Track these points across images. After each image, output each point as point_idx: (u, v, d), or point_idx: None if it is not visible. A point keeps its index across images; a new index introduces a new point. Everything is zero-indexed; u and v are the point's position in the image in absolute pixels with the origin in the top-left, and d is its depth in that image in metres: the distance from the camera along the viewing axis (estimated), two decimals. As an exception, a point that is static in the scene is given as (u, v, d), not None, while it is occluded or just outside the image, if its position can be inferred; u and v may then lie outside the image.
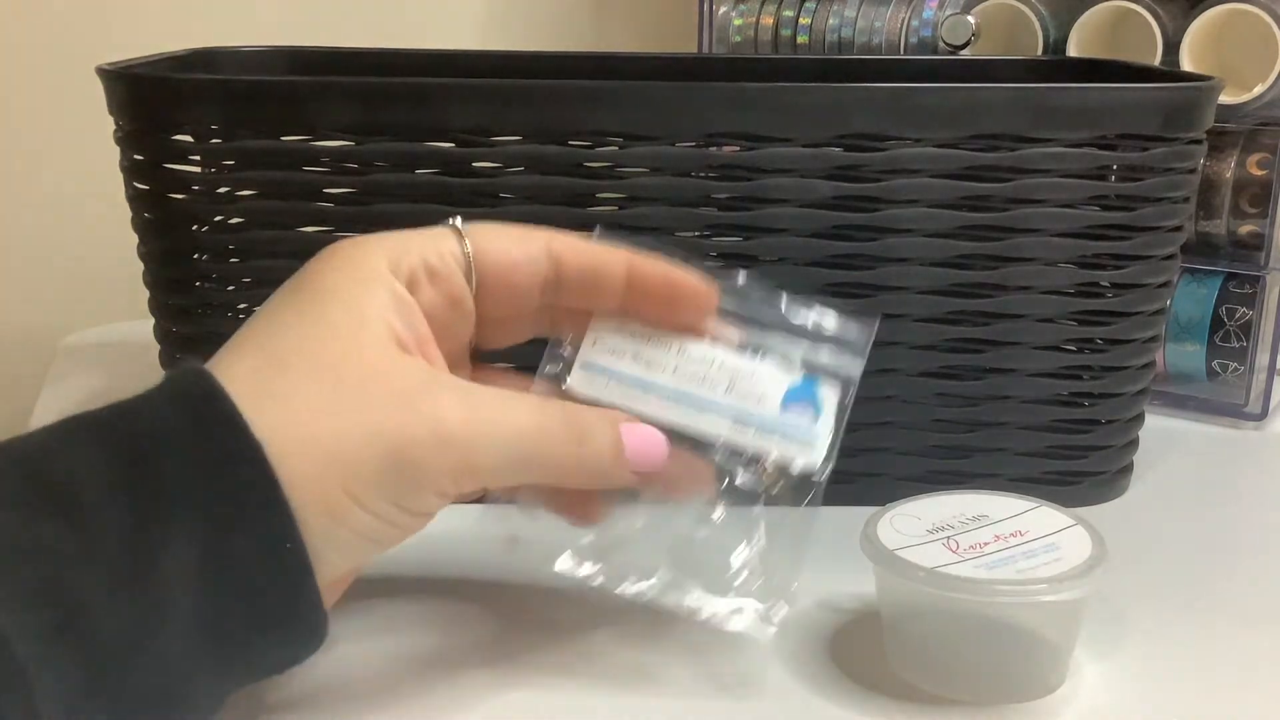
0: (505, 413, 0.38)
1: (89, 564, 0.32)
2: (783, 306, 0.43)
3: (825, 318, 0.43)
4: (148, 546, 0.33)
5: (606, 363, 0.42)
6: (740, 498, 0.42)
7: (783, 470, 0.41)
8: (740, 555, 0.42)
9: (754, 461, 0.42)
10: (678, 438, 0.41)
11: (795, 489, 0.41)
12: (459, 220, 0.41)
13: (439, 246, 0.40)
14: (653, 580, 0.42)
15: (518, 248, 0.41)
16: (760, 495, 0.42)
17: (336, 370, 0.36)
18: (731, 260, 0.52)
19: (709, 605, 0.41)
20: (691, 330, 0.42)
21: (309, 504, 0.34)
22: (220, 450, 0.34)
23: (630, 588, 0.42)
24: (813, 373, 0.42)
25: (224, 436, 0.34)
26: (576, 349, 0.43)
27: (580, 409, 0.40)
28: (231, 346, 0.37)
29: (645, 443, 0.40)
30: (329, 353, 0.37)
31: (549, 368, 0.43)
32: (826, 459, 0.42)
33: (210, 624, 0.34)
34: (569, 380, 0.42)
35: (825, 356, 0.43)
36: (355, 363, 0.37)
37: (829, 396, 0.42)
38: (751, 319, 0.43)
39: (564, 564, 0.42)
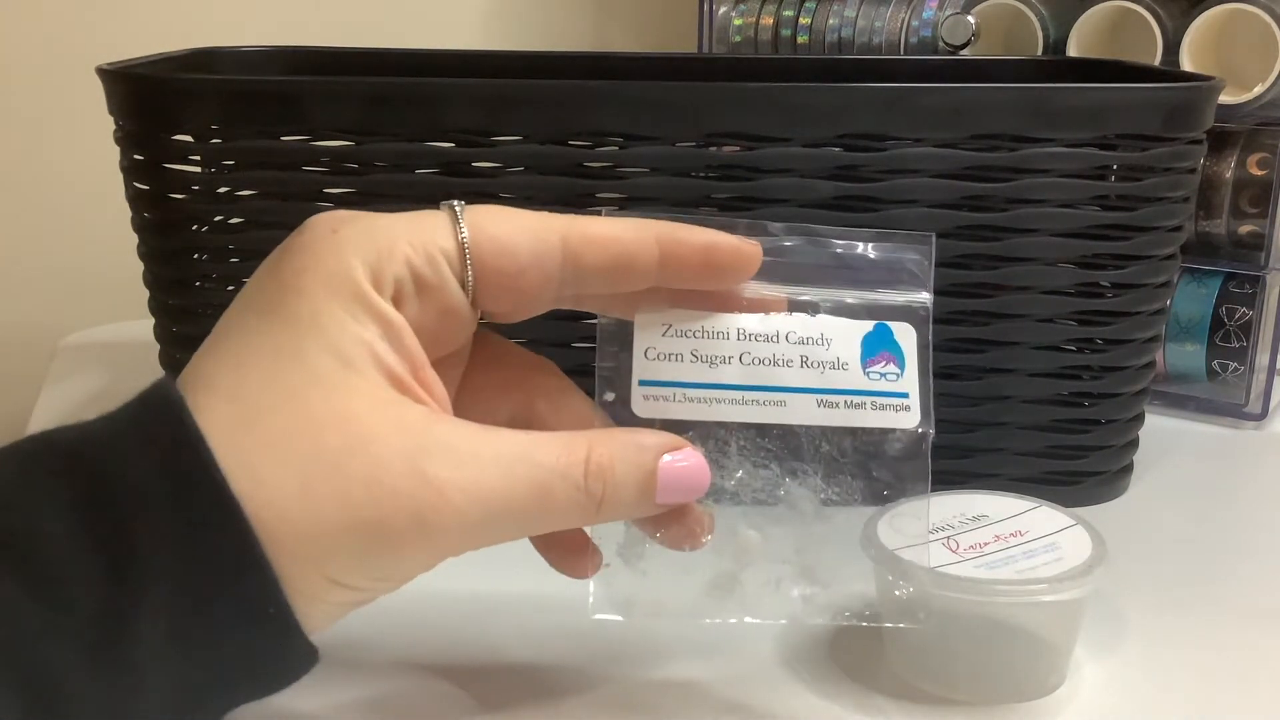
0: (506, 483, 0.34)
1: (60, 635, 0.30)
2: (828, 248, 0.39)
3: (874, 250, 0.39)
4: (121, 614, 0.30)
5: (665, 373, 0.38)
6: (846, 484, 0.38)
7: (885, 439, 0.38)
8: (859, 549, 0.39)
9: (850, 438, 0.38)
10: (767, 433, 0.38)
11: (904, 453, 0.38)
12: (460, 206, 0.36)
13: (429, 248, 0.35)
14: (793, 595, 0.38)
15: (526, 246, 0.36)
16: (868, 474, 0.38)
17: (316, 436, 0.32)
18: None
19: (860, 613, 0.38)
20: (737, 294, 0.38)
21: (283, 583, 0.32)
22: (197, 512, 0.31)
23: (771, 616, 0.38)
24: (881, 315, 0.38)
25: (200, 497, 0.31)
26: (628, 365, 0.38)
27: (612, 455, 0.35)
28: (204, 375, 0.34)
29: (683, 478, 0.36)
30: (309, 410, 0.33)
31: (608, 393, 0.38)
32: (925, 412, 0.38)
33: (193, 689, 0.32)
34: (632, 408, 0.38)
35: (888, 294, 0.39)
36: (336, 424, 0.33)
37: (906, 338, 0.38)
38: (798, 270, 0.39)
39: (700, 609, 0.38)
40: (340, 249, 0.35)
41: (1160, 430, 0.65)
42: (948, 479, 0.54)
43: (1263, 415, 0.67)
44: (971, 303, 0.53)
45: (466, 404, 0.39)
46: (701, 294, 0.38)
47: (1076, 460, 0.56)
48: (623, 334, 0.38)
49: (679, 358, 0.38)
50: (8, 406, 0.84)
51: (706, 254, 0.37)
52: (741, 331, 0.38)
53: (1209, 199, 0.66)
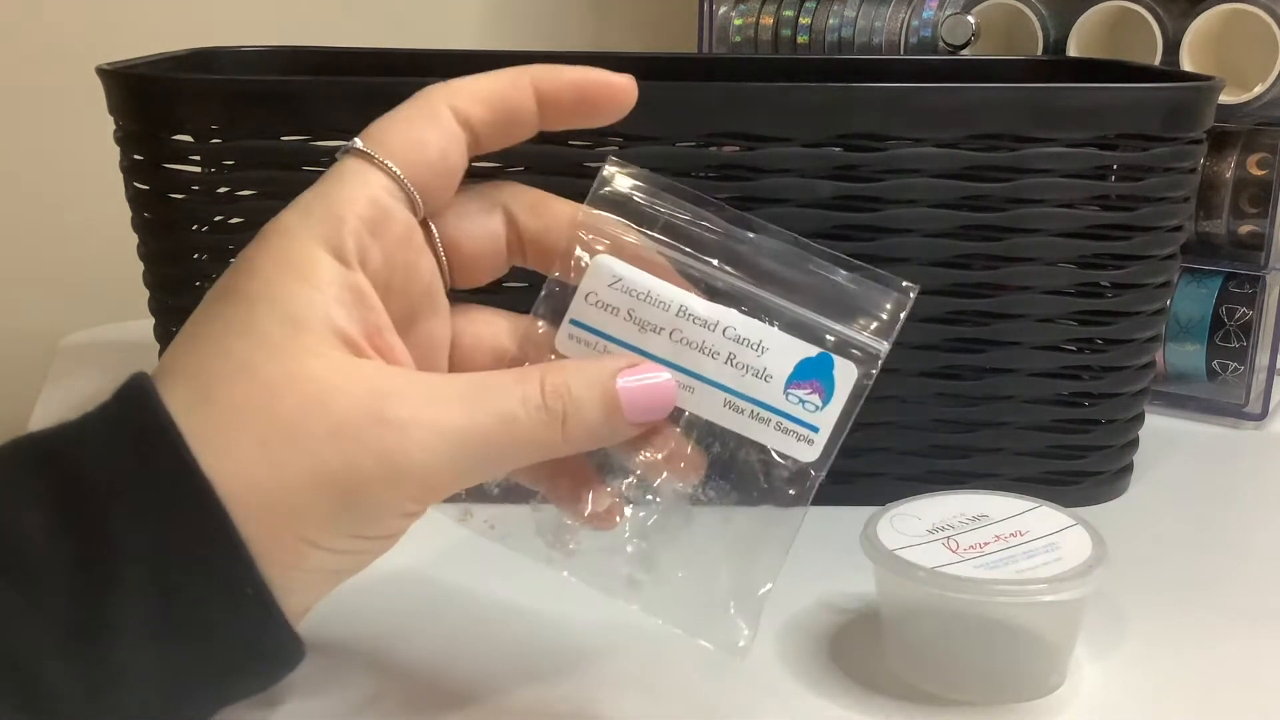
0: (469, 416, 0.34)
1: (37, 624, 0.30)
2: (808, 265, 0.38)
3: (853, 282, 0.38)
4: (96, 603, 0.30)
5: (597, 321, 0.38)
6: (722, 489, 0.37)
7: (776, 461, 0.37)
8: (715, 559, 0.37)
9: (743, 448, 0.37)
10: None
11: (788, 482, 0.37)
12: (359, 142, 0.36)
13: (369, 192, 0.35)
14: (618, 577, 0.37)
15: (432, 132, 0.36)
16: (749, 489, 0.37)
17: (270, 400, 0.32)
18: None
19: (677, 615, 0.37)
20: (672, 271, 0.38)
21: (260, 555, 0.32)
22: (167, 496, 0.31)
23: (597, 585, 0.37)
24: (830, 346, 0.37)
25: (170, 480, 0.31)
26: (569, 297, 0.38)
27: (566, 377, 0.35)
28: (167, 363, 0.34)
29: (647, 395, 0.36)
30: (262, 376, 0.33)
31: (540, 322, 0.38)
32: (826, 453, 0.37)
33: (174, 675, 0.32)
34: (555, 342, 0.38)
35: (848, 329, 0.37)
36: (290, 386, 0.33)
37: (845, 376, 0.37)
38: (771, 273, 0.38)
39: (525, 544, 0.38)
40: (287, 231, 0.35)
41: (1160, 430, 0.65)
42: (948, 479, 0.55)
43: (1263, 415, 0.67)
44: (971, 303, 0.53)
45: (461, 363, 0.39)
46: (662, 269, 0.38)
47: (1076, 460, 0.56)
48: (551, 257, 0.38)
49: (615, 311, 0.37)
50: (8, 406, 0.84)
51: (579, 89, 0.37)
52: (683, 309, 0.37)
53: (1209, 199, 0.66)
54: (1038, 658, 0.42)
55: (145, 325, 0.56)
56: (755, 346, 0.37)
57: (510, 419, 0.34)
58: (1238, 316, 0.66)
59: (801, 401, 0.37)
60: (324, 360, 0.33)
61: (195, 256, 0.54)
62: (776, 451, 0.37)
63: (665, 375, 0.36)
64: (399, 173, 0.36)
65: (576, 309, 0.38)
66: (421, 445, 0.33)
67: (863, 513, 0.43)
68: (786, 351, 0.37)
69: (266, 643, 0.33)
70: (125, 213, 0.55)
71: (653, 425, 0.37)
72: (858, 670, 0.43)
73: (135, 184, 0.54)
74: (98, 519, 0.31)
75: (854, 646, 0.44)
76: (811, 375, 0.37)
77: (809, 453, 0.37)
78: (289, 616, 0.33)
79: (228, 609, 0.32)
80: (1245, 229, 0.66)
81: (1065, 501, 0.45)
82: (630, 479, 0.37)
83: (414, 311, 0.37)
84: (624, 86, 0.38)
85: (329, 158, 0.51)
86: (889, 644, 0.43)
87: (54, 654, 0.30)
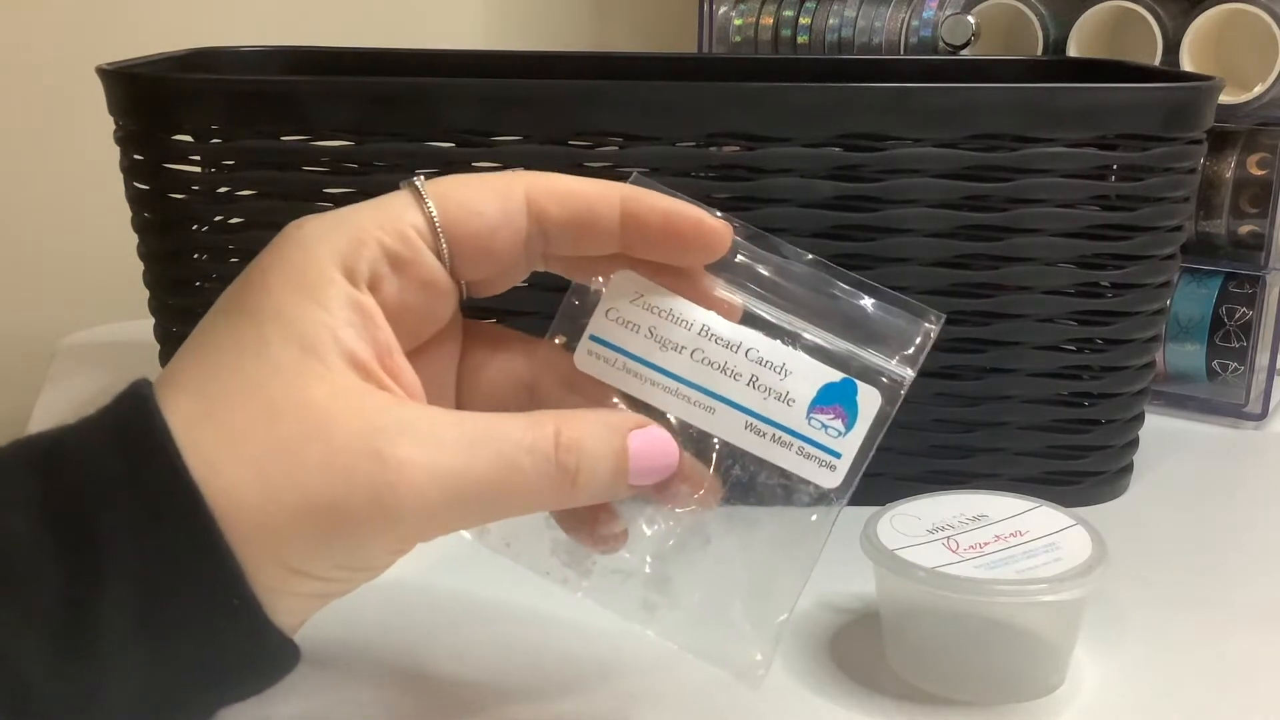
0: (469, 460, 0.33)
1: (22, 629, 0.30)
2: (833, 290, 0.38)
3: (879, 309, 0.37)
4: (82, 607, 0.30)
5: (617, 337, 0.37)
6: (742, 512, 0.37)
7: (797, 486, 0.36)
8: (732, 585, 0.37)
9: (764, 471, 0.36)
10: (682, 433, 0.37)
11: (809, 508, 0.36)
12: (421, 180, 0.36)
13: (399, 225, 0.35)
14: (634, 600, 0.37)
15: (493, 207, 0.36)
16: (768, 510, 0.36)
17: (271, 424, 0.32)
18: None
19: (692, 641, 0.37)
20: (708, 287, 0.37)
21: (246, 576, 0.31)
22: (157, 505, 0.31)
23: (612, 609, 0.37)
24: (854, 372, 0.36)
25: (160, 487, 0.31)
26: (590, 311, 0.37)
27: (582, 432, 0.34)
28: (173, 375, 0.34)
29: (652, 459, 0.35)
30: (266, 398, 0.32)
31: (559, 336, 0.38)
32: (848, 481, 0.36)
33: (166, 685, 0.32)
34: (574, 358, 0.37)
35: (873, 355, 0.37)
36: (293, 411, 0.32)
37: (869, 403, 0.36)
38: (797, 296, 0.37)
39: (540, 563, 0.38)
40: (306, 243, 0.35)
41: (1160, 430, 0.65)
42: (948, 479, 0.55)
43: (1263, 415, 0.67)
44: (971, 303, 0.53)
45: (469, 391, 0.39)
46: (677, 277, 0.37)
47: (1076, 460, 0.56)
48: (579, 269, 0.38)
49: (636, 328, 0.37)
50: (8, 406, 0.84)
51: (667, 220, 0.36)
52: (705, 329, 0.37)
53: (1209, 199, 0.66)
54: (1038, 658, 0.42)
55: (145, 325, 0.56)
56: (778, 369, 0.36)
57: (513, 468, 0.33)
58: (1238, 316, 0.66)
59: (824, 427, 0.36)
60: (330, 386, 0.33)
61: (195, 256, 0.54)
62: (798, 476, 0.36)
63: (670, 439, 0.36)
64: (438, 222, 0.35)
65: (596, 324, 0.37)
66: (414, 488, 0.32)
67: (863, 513, 0.43)
68: (810, 375, 0.36)
69: (256, 651, 0.33)
70: (125, 213, 0.55)
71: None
72: (858, 670, 0.43)
73: (135, 184, 0.54)
74: (88, 525, 0.31)
75: (854, 646, 0.44)
76: (835, 400, 0.36)
77: (831, 479, 0.36)
78: (280, 626, 0.33)
79: (215, 619, 0.32)
80: (1245, 229, 0.66)
81: (1065, 501, 0.45)
82: (647, 506, 0.37)
83: (424, 342, 0.37)
84: (715, 229, 0.36)
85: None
86: (889, 644, 0.43)
87: (42, 659, 0.30)
